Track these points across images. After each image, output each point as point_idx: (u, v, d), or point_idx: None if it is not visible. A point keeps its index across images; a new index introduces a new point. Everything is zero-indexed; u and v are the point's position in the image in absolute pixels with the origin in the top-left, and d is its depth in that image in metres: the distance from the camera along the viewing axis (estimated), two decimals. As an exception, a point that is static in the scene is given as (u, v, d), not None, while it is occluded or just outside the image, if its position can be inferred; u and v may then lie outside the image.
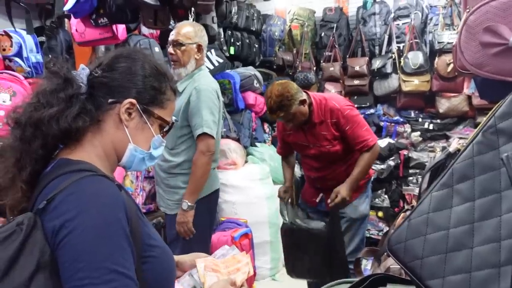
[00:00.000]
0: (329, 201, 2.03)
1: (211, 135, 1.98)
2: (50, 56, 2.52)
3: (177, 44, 2.03)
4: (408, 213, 1.45)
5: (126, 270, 0.67)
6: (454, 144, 0.82)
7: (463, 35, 0.67)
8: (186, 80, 2.06)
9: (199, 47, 2.08)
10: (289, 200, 2.26)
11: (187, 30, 2.06)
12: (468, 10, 0.66)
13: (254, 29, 3.97)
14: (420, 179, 3.42)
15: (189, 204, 1.98)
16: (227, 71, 3.39)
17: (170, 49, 2.05)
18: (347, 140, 2.08)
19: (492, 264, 0.53)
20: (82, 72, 0.81)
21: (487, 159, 0.60)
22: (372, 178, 2.40)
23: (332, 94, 2.30)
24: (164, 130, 0.89)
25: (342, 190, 2.01)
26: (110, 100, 0.80)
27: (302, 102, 2.02)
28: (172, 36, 2.06)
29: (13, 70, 2.28)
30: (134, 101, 0.81)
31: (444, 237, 0.59)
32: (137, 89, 0.82)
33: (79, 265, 0.64)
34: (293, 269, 2.16)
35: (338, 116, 2.05)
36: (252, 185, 3.06)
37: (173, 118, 0.92)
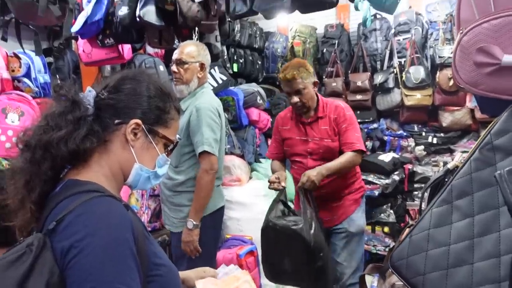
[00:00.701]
0: (299, 184, 1.92)
1: (212, 153, 2.00)
2: (57, 76, 2.58)
3: (180, 62, 2.08)
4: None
5: (131, 285, 0.68)
6: (455, 159, 0.84)
7: (458, 55, 0.69)
8: (188, 99, 2.10)
9: (202, 66, 2.12)
10: (282, 185, 1.97)
11: (190, 49, 2.11)
12: (461, 31, 0.68)
13: (256, 46, 4.03)
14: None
15: (194, 223, 1.99)
16: (231, 88, 3.44)
17: (174, 68, 2.10)
18: (339, 138, 2.10)
19: (492, 279, 0.54)
20: (89, 94, 0.83)
21: (485, 175, 0.61)
22: (366, 192, 2.39)
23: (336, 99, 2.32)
24: (169, 148, 0.91)
25: (312, 173, 1.91)
26: (116, 121, 0.82)
27: (314, 83, 2.10)
28: (175, 55, 2.11)
29: (22, 91, 2.34)
30: (139, 121, 0.83)
31: (445, 253, 0.60)
32: (142, 109, 0.85)
33: (88, 285, 0.65)
34: (270, 271, 1.95)
35: (340, 113, 2.09)
36: (257, 201, 3.06)
37: (177, 136, 0.94)
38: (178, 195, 2.08)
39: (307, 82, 2.04)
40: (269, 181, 2.02)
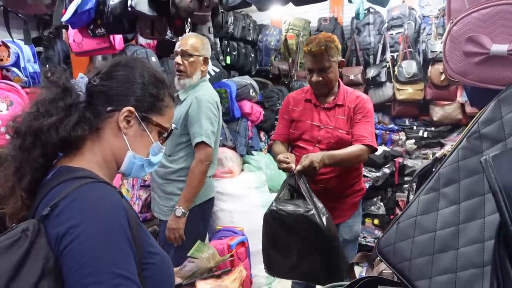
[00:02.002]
0: (299, 167, 1.66)
1: (209, 145, 2.00)
2: (47, 66, 2.55)
3: (185, 54, 2.06)
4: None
5: (131, 274, 0.68)
6: (444, 148, 0.85)
7: (448, 45, 0.70)
8: (188, 90, 2.10)
9: (205, 60, 2.13)
10: (293, 167, 1.70)
11: (195, 42, 2.10)
12: (451, 21, 0.69)
13: (250, 39, 4.02)
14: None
15: (183, 210, 2.00)
16: (224, 80, 3.43)
17: (178, 59, 2.07)
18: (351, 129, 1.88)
19: (476, 264, 0.55)
20: (80, 81, 0.82)
21: (472, 163, 0.62)
22: (364, 193, 2.08)
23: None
24: (163, 136, 0.90)
25: (315, 156, 1.68)
26: (108, 108, 0.81)
27: (341, 63, 1.89)
28: (180, 47, 2.09)
29: (11, 80, 2.30)
30: (132, 109, 0.82)
31: (431, 239, 0.61)
32: (135, 97, 0.83)
33: (85, 271, 0.65)
34: (272, 264, 1.70)
35: (360, 103, 1.87)
36: (249, 193, 3.07)
37: (173, 125, 0.93)
38: (170, 184, 2.09)
39: (333, 61, 1.82)
40: (278, 161, 1.76)
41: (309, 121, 1.93)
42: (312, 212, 1.56)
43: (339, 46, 1.88)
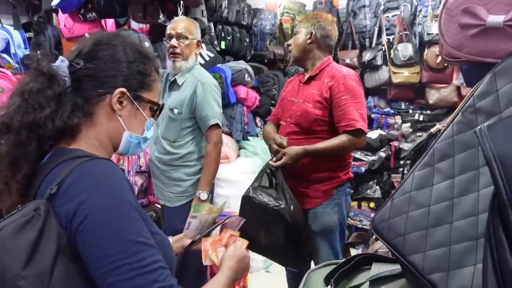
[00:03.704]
0: (274, 159, 1.77)
1: (220, 126, 2.06)
2: (38, 52, 2.50)
3: (181, 37, 2.05)
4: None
5: (148, 240, 0.69)
6: (437, 125, 0.85)
7: (443, 18, 0.68)
8: (184, 74, 2.09)
9: (199, 43, 2.14)
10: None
11: (189, 25, 2.10)
12: (447, -7, 0.67)
13: (244, 23, 3.96)
14: (411, 170, 3.48)
15: (208, 193, 2.04)
16: (218, 65, 3.39)
17: (173, 42, 2.05)
18: (334, 112, 1.77)
19: (470, 237, 0.55)
20: (62, 65, 0.79)
21: (466, 137, 0.62)
22: (345, 183, 1.90)
23: (348, 68, 1.93)
24: (155, 110, 0.89)
25: (291, 149, 1.74)
26: (99, 92, 0.79)
27: (311, 37, 1.85)
28: (174, 29, 2.06)
29: (1, 67, 2.26)
30: (124, 90, 0.81)
31: (425, 214, 0.61)
32: (124, 76, 0.82)
33: (103, 244, 0.66)
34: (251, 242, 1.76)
35: (338, 82, 1.76)
36: (245, 178, 3.07)
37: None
38: (176, 170, 2.09)
39: (303, 29, 1.88)
40: (273, 140, 1.82)
41: (289, 98, 1.95)
42: (282, 206, 1.68)
43: (321, 22, 1.87)
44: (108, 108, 0.80)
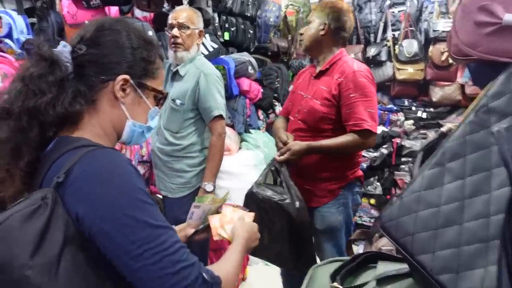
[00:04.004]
0: (278, 153, 1.74)
1: (224, 118, 2.06)
2: (41, 37, 2.48)
3: (183, 27, 2.03)
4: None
5: (165, 222, 0.71)
6: (448, 124, 0.84)
7: (458, 15, 0.67)
8: (187, 64, 2.07)
9: (201, 33, 2.11)
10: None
11: (190, 15, 2.07)
12: (464, -10, 0.66)
13: (249, 15, 3.92)
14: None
15: (213, 184, 2.05)
16: (222, 56, 3.36)
17: (175, 32, 2.03)
18: (342, 110, 1.70)
19: (481, 238, 0.54)
20: (64, 50, 0.77)
21: (479, 137, 0.61)
22: (353, 182, 1.84)
23: (361, 63, 1.85)
24: (159, 99, 0.87)
25: (295, 145, 1.70)
26: (102, 78, 0.78)
27: (325, 28, 1.77)
28: (175, 19, 2.04)
29: (3, 52, 2.24)
30: (127, 77, 0.79)
31: (435, 214, 0.61)
32: (127, 63, 0.80)
33: (124, 231, 0.66)
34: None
35: (347, 78, 1.68)
36: (246, 171, 3.07)
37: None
38: (178, 161, 2.09)
39: (316, 18, 1.80)
40: (278, 138, 1.79)
41: (299, 92, 1.90)
42: (287, 201, 1.64)
43: (336, 13, 1.78)
44: (111, 95, 0.79)
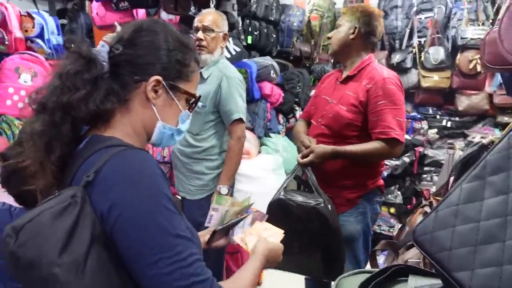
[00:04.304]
0: (299, 155, 1.70)
1: (244, 121, 2.05)
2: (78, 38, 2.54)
3: (208, 30, 2.05)
4: (426, 208, 1.42)
5: (185, 233, 0.70)
6: (490, 137, 0.80)
7: (504, 22, 0.65)
8: (210, 67, 2.09)
9: (225, 36, 2.13)
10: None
11: (216, 18, 2.09)
12: (510, -3, 0.63)
13: (272, 19, 3.92)
14: (434, 177, 3.38)
15: (228, 188, 2.05)
16: (244, 60, 3.37)
17: (200, 35, 2.05)
18: (369, 118, 1.67)
19: (526, 258, 0.52)
20: (102, 50, 0.79)
21: (524, 151, 0.58)
22: (373, 191, 1.81)
23: (390, 70, 1.80)
24: (191, 103, 0.87)
25: (319, 147, 1.67)
26: (135, 78, 0.79)
27: (357, 32, 1.74)
28: (201, 22, 2.07)
29: (34, 51, 2.31)
30: (160, 78, 0.79)
31: (474, 230, 0.58)
32: (162, 64, 0.80)
33: (144, 236, 0.66)
34: None
35: (377, 85, 1.65)
36: (265, 175, 3.06)
37: (201, 104, 0.91)
38: (198, 163, 2.10)
39: (346, 22, 1.76)
40: (301, 143, 1.76)
41: (323, 96, 1.86)
42: (322, 205, 1.57)
43: (366, 17, 1.75)
44: (143, 96, 0.80)
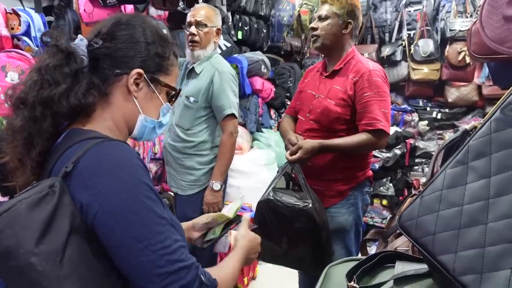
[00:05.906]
0: (289, 153, 1.67)
1: (236, 116, 2.04)
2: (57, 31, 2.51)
3: (201, 25, 2.03)
4: (414, 197, 1.43)
5: (166, 220, 0.70)
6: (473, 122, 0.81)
7: (485, 9, 0.65)
8: (203, 62, 2.07)
9: (218, 31, 2.10)
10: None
11: (209, 13, 2.07)
12: (490, -16, 0.64)
13: (262, 14, 3.92)
14: (425, 168, 3.41)
15: (220, 183, 2.05)
16: (235, 55, 3.36)
17: (193, 30, 2.03)
18: (356, 109, 1.68)
19: (507, 239, 0.53)
20: (81, 43, 0.78)
21: (505, 135, 0.59)
22: (363, 182, 1.81)
23: (375, 62, 1.81)
24: (171, 96, 0.87)
25: (307, 143, 1.65)
26: (116, 72, 0.79)
27: (346, 26, 1.71)
28: (194, 17, 2.05)
29: (21, 49, 2.27)
30: (141, 71, 0.80)
31: (458, 213, 0.59)
32: (141, 57, 0.80)
33: (126, 226, 0.66)
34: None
35: (363, 76, 1.66)
36: (257, 170, 3.07)
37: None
38: (189, 158, 2.09)
39: (336, 13, 1.70)
40: (288, 141, 1.74)
41: (309, 91, 1.84)
42: (310, 206, 1.59)
43: (356, 11, 1.74)
44: (125, 89, 0.80)
